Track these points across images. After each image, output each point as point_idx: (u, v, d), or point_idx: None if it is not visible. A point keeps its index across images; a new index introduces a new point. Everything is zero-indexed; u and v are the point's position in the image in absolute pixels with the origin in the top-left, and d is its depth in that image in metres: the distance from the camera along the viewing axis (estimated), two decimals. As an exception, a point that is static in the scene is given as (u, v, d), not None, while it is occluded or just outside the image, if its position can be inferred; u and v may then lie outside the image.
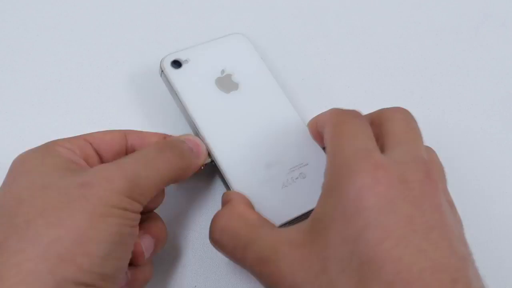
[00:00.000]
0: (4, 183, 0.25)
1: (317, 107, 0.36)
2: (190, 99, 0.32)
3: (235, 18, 0.40)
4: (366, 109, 0.35)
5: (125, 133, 0.29)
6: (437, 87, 0.37)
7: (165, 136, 0.30)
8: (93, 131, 0.29)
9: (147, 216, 0.28)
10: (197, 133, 0.31)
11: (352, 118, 0.26)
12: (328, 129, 0.26)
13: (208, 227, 0.28)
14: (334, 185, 0.23)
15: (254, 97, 0.33)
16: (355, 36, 0.39)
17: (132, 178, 0.24)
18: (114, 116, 0.36)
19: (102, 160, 0.28)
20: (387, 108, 0.28)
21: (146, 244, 0.27)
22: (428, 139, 0.34)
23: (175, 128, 0.35)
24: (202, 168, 0.30)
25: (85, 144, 0.27)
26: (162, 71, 0.33)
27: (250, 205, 0.29)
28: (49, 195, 0.23)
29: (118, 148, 0.28)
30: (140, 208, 0.25)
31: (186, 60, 0.33)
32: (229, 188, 0.30)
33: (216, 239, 0.27)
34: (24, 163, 0.25)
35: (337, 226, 0.22)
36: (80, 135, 0.28)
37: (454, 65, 0.38)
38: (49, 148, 0.26)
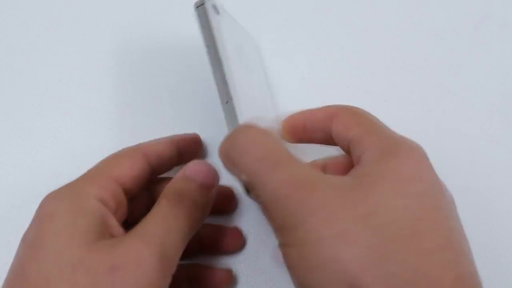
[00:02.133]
0: (31, 236, 0.23)
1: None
2: (222, 43, 0.27)
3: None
4: (366, 109, 0.35)
5: (144, 153, 0.28)
6: (437, 87, 0.37)
7: (172, 140, 0.30)
8: (116, 159, 0.27)
9: None
10: (223, 78, 0.26)
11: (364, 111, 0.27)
12: (350, 119, 0.26)
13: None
14: (381, 157, 0.23)
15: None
16: (355, 36, 0.39)
17: (160, 252, 0.23)
18: (114, 116, 0.36)
19: (127, 196, 0.27)
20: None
21: None
22: (428, 139, 0.34)
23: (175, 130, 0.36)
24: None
25: (118, 189, 0.26)
26: (202, 3, 0.27)
27: None
28: (78, 279, 0.21)
29: (144, 179, 0.28)
30: (170, 278, 0.24)
31: (220, 13, 0.29)
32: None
33: (237, 146, 0.23)
34: (54, 218, 0.23)
35: (390, 182, 0.22)
36: (110, 173, 0.26)
37: (454, 65, 0.38)
38: (81, 199, 0.24)
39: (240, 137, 0.23)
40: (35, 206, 0.25)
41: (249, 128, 0.24)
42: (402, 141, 0.24)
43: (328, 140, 0.27)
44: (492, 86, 0.38)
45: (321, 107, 0.28)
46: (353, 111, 0.26)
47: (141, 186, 0.28)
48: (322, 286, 0.20)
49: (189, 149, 0.31)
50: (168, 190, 0.26)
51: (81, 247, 0.22)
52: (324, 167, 0.28)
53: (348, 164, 0.27)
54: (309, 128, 0.28)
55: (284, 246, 0.22)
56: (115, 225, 0.25)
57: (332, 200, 0.21)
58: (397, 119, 0.35)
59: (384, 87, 0.37)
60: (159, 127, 0.36)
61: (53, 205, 0.24)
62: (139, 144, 0.29)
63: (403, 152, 0.23)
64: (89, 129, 0.36)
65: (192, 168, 0.27)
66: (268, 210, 0.22)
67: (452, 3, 0.41)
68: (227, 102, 0.25)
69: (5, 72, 0.38)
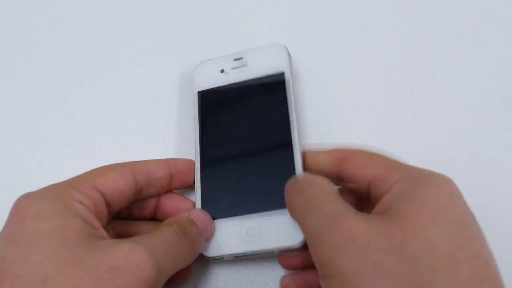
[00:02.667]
0: (15, 234, 0.23)
1: (317, 107, 0.36)
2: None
3: (234, 18, 0.40)
4: (366, 109, 0.35)
5: (133, 170, 0.28)
6: (437, 87, 0.37)
7: (165, 163, 0.30)
8: (100, 168, 0.28)
9: None
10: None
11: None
12: (367, 160, 0.26)
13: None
14: (419, 181, 0.23)
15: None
16: (355, 36, 0.39)
17: (159, 268, 0.24)
18: (114, 116, 0.36)
19: (108, 208, 0.27)
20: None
21: None
22: (428, 139, 0.34)
23: (175, 130, 0.35)
24: None
25: (99, 198, 0.26)
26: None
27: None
28: (78, 276, 0.22)
29: (129, 195, 0.28)
30: None
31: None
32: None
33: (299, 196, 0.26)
34: (42, 218, 0.23)
35: (426, 211, 0.22)
36: (92, 182, 0.26)
37: (454, 65, 0.38)
38: (66, 203, 0.24)
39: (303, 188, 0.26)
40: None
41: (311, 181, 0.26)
42: (432, 173, 0.24)
43: (333, 180, 0.27)
44: (492, 86, 0.38)
45: (327, 151, 0.29)
46: (367, 152, 0.27)
47: (124, 202, 0.28)
48: None
49: (181, 174, 0.31)
50: (174, 220, 0.27)
51: (76, 247, 0.23)
52: None
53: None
54: (313, 170, 0.29)
55: (324, 277, 0.22)
56: (100, 227, 0.25)
57: (367, 231, 0.22)
58: (397, 119, 0.35)
59: (384, 87, 0.37)
60: (159, 127, 0.36)
61: (36, 205, 0.24)
62: (131, 162, 0.29)
63: (435, 183, 0.23)
64: (89, 129, 0.36)
65: (197, 215, 0.29)
66: (310, 246, 0.24)
67: (452, 3, 0.41)
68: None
69: (6, 72, 0.38)
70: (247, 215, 0.30)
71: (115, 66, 0.38)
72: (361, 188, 0.26)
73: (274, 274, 0.31)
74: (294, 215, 0.27)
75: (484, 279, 0.20)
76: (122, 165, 0.28)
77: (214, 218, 0.30)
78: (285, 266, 0.30)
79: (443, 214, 0.22)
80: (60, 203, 0.24)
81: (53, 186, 0.26)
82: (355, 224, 0.22)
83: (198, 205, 0.31)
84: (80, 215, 0.24)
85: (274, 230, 0.30)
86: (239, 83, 0.34)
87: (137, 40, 0.39)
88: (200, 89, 0.34)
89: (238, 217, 0.30)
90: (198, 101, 0.34)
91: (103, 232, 0.25)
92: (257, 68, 0.34)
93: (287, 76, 0.33)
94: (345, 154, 0.28)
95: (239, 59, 0.35)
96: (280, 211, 0.30)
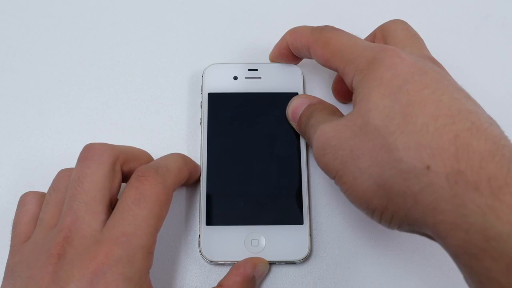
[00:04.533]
0: None
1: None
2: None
3: (236, 19, 0.40)
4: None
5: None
6: (437, 87, 0.37)
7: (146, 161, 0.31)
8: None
9: None
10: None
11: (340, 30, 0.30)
12: (324, 51, 0.29)
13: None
14: (366, 70, 0.26)
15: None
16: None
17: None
18: (114, 117, 0.36)
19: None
20: (386, 22, 0.31)
21: None
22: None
23: (175, 130, 0.35)
24: None
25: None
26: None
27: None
28: None
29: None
30: None
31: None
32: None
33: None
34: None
35: (375, 89, 0.24)
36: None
37: (454, 65, 0.38)
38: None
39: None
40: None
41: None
42: (375, 54, 0.26)
43: (311, 57, 0.31)
44: (492, 86, 0.38)
45: (297, 33, 0.32)
46: (324, 37, 0.29)
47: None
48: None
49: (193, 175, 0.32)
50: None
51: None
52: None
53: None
54: (293, 53, 0.34)
55: (334, 180, 0.26)
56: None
57: (338, 129, 0.26)
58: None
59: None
60: (160, 127, 0.36)
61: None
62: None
63: (378, 64, 0.25)
64: (89, 129, 0.36)
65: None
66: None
67: (452, 3, 0.41)
68: None
69: (6, 72, 0.38)
70: (253, 226, 0.31)
71: (115, 66, 0.38)
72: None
73: (274, 275, 0.32)
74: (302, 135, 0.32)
75: (439, 115, 0.22)
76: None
77: (219, 224, 0.31)
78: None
79: (388, 86, 0.24)
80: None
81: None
82: (329, 128, 0.26)
83: (203, 208, 0.31)
84: None
85: (278, 243, 0.31)
86: (252, 93, 0.34)
87: (137, 40, 0.39)
88: (210, 91, 0.34)
89: (244, 226, 0.31)
90: (208, 103, 0.34)
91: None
92: (271, 83, 0.35)
93: None
94: (307, 40, 0.31)
95: (254, 70, 0.35)
96: (285, 226, 0.31)
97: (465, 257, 0.20)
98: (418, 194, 0.22)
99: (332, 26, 0.30)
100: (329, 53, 0.29)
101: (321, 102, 0.31)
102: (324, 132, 0.26)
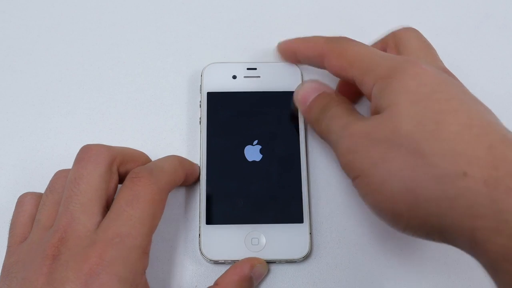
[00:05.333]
0: None
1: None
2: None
3: (236, 19, 0.40)
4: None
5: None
6: (437, 87, 0.37)
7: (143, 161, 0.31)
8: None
9: None
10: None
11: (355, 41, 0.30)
12: (341, 61, 0.29)
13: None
14: (389, 78, 0.26)
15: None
16: (355, 36, 0.39)
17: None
18: (115, 117, 0.36)
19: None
20: (397, 30, 0.31)
21: None
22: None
23: (175, 130, 0.35)
24: None
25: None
26: None
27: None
28: None
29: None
30: None
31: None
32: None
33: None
34: None
35: (403, 96, 0.24)
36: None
37: (454, 65, 0.38)
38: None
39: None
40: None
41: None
42: (397, 64, 0.26)
43: (321, 67, 0.31)
44: (492, 86, 0.38)
45: (310, 42, 0.32)
46: (340, 48, 0.29)
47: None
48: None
49: (190, 176, 0.32)
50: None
51: None
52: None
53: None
54: (300, 60, 0.33)
55: (354, 179, 0.26)
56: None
57: (367, 129, 0.26)
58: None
59: (384, 87, 0.37)
60: (160, 127, 0.36)
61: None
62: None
63: (401, 72, 0.25)
64: (89, 129, 0.36)
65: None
66: (336, 155, 0.28)
67: (452, 3, 0.41)
68: None
69: (6, 72, 0.38)
70: (253, 225, 0.31)
71: (115, 66, 0.38)
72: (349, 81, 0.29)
73: (274, 273, 0.32)
74: (319, 135, 0.30)
75: (472, 125, 0.22)
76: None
77: (219, 223, 0.31)
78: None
79: (416, 94, 0.24)
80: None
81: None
82: (362, 127, 0.26)
83: (203, 207, 0.31)
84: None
85: (278, 242, 0.31)
86: (251, 92, 0.34)
87: (137, 40, 0.39)
88: (209, 90, 0.35)
89: (244, 225, 0.31)
90: (207, 102, 0.34)
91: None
92: (271, 82, 0.35)
93: None
94: (324, 51, 0.30)
95: (253, 69, 0.35)
96: (285, 225, 0.31)
97: (505, 264, 0.20)
98: (454, 199, 0.21)
99: (347, 37, 0.30)
100: (345, 62, 0.29)
101: (338, 94, 0.30)
102: (358, 131, 0.26)
